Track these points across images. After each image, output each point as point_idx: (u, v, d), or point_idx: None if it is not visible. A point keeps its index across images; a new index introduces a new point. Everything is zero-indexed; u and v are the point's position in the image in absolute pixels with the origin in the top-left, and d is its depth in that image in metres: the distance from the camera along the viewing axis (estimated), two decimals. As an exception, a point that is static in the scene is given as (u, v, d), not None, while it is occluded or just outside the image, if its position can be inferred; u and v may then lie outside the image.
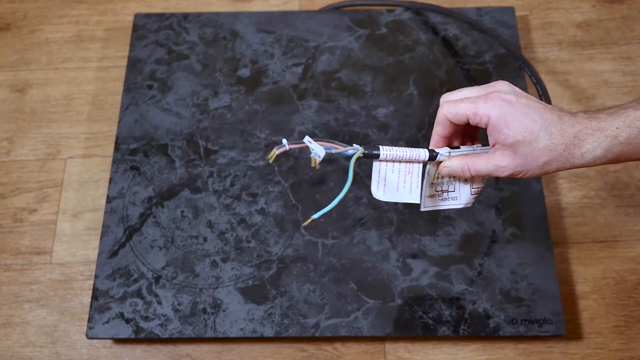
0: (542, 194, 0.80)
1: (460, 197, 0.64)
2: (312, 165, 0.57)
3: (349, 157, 0.59)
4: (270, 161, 0.57)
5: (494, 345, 0.76)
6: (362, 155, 0.59)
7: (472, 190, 0.64)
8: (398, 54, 0.91)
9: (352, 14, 0.94)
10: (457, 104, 0.58)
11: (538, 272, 0.76)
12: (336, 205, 0.58)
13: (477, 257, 0.77)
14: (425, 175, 0.62)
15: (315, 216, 0.59)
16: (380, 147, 0.60)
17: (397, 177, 0.61)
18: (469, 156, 0.60)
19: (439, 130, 0.61)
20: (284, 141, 0.57)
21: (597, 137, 0.55)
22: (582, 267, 0.79)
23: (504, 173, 0.58)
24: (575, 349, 0.75)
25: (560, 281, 0.78)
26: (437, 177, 0.63)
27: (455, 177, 0.63)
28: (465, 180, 0.63)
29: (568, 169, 0.57)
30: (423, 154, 0.60)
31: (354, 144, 0.59)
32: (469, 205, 0.64)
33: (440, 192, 0.63)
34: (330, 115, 0.86)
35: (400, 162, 0.60)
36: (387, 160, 0.60)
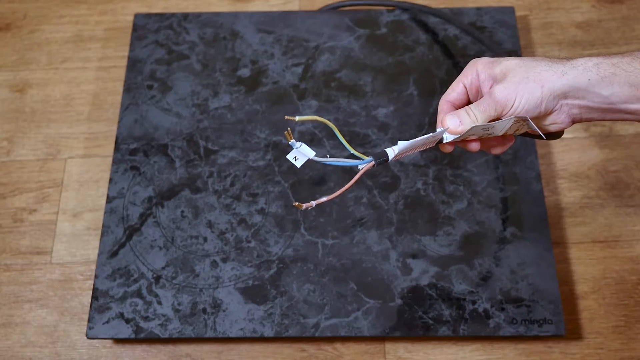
0: (542, 194, 0.80)
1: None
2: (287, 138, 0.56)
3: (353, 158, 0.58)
4: (294, 204, 0.58)
5: (494, 345, 0.76)
6: (372, 161, 0.57)
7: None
8: (398, 54, 0.91)
9: (352, 14, 0.94)
10: (451, 86, 0.61)
11: (538, 272, 0.76)
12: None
13: (477, 257, 0.77)
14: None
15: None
16: (387, 151, 0.57)
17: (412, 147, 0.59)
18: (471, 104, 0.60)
19: (441, 118, 0.61)
20: (313, 202, 0.56)
21: (586, 56, 0.56)
22: (582, 267, 0.79)
23: (497, 95, 0.57)
24: (575, 349, 0.75)
25: (560, 281, 0.78)
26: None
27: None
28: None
29: (565, 87, 0.56)
30: (431, 138, 0.58)
31: (361, 160, 0.57)
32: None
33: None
34: (330, 115, 0.86)
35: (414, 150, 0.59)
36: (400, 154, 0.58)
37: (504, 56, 0.87)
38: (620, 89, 0.55)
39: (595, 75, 0.55)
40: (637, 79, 0.55)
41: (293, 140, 0.56)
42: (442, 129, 0.60)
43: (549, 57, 0.58)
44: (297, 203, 0.56)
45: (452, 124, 0.59)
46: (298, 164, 0.57)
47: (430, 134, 0.59)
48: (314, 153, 0.57)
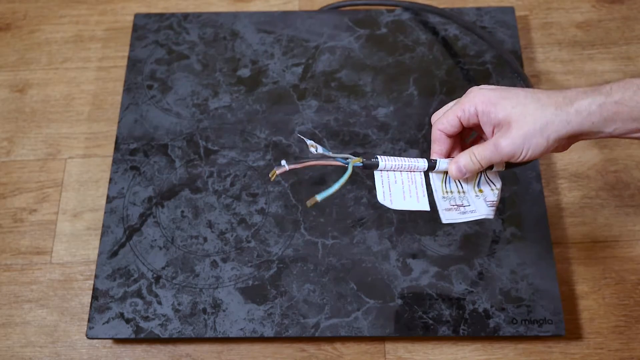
0: (542, 194, 0.80)
1: (478, 210, 0.63)
2: (271, 175, 0.58)
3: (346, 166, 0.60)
4: (272, 180, 0.59)
5: (494, 345, 0.76)
6: (360, 163, 0.59)
7: (487, 203, 0.63)
8: (398, 54, 0.91)
9: (352, 14, 0.94)
10: (446, 114, 0.61)
11: (538, 272, 0.76)
12: (335, 192, 0.58)
13: (477, 257, 0.77)
14: (434, 189, 0.62)
15: (319, 197, 0.58)
16: (379, 157, 0.60)
17: (401, 187, 0.61)
18: (473, 146, 0.60)
19: (435, 148, 0.63)
20: (283, 162, 0.57)
21: (590, 95, 0.56)
22: (582, 267, 0.79)
23: (504, 149, 0.58)
24: (575, 349, 0.75)
25: (560, 281, 0.78)
26: (446, 192, 0.63)
27: (465, 192, 0.63)
28: (477, 196, 0.63)
29: (569, 133, 0.57)
30: (422, 163, 0.61)
31: (352, 157, 0.60)
32: (491, 217, 0.63)
33: (456, 207, 0.63)
34: (330, 115, 0.86)
35: (401, 172, 0.61)
36: (387, 170, 0.60)
37: (507, 55, 0.87)
38: (623, 124, 0.56)
39: (599, 117, 0.56)
40: None
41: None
42: (437, 159, 0.62)
43: (553, 98, 0.57)
44: (271, 174, 0.58)
45: (456, 173, 0.61)
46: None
47: (423, 159, 0.61)
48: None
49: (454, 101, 0.62)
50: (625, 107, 0.55)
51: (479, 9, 0.93)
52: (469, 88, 0.61)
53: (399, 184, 0.61)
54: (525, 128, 0.57)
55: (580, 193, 0.83)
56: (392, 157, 0.60)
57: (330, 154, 0.59)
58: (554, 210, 0.82)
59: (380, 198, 0.60)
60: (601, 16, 0.96)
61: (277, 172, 0.57)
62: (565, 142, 0.58)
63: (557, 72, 0.91)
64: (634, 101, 0.55)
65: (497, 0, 0.97)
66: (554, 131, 0.56)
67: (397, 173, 0.61)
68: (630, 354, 0.75)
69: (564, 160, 0.85)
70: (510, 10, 0.93)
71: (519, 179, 0.81)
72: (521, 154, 0.58)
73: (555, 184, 0.84)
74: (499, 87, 0.59)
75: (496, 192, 0.63)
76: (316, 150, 0.58)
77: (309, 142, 0.58)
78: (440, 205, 0.62)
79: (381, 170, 0.60)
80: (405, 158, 0.61)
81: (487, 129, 0.60)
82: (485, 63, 0.89)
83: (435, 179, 0.62)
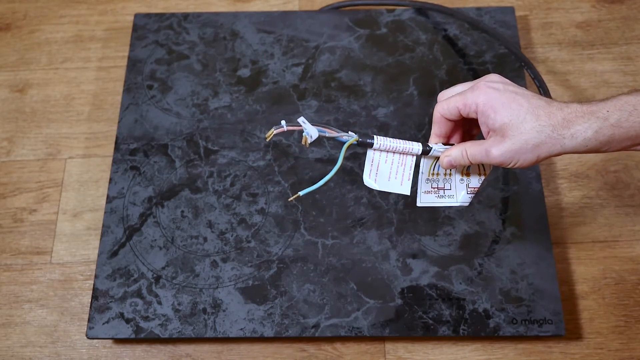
0: (542, 194, 0.80)
1: (456, 195, 0.65)
2: (303, 143, 0.58)
3: (343, 144, 0.60)
4: (267, 140, 0.59)
5: (494, 345, 0.76)
6: (356, 142, 0.60)
7: (469, 189, 0.64)
8: (398, 54, 0.91)
9: (352, 14, 0.94)
10: (449, 101, 0.61)
11: (538, 272, 0.76)
12: (322, 185, 0.60)
13: (477, 257, 0.77)
14: (420, 171, 0.64)
15: (301, 193, 0.60)
16: (375, 136, 0.61)
17: (389, 168, 0.62)
18: (467, 142, 0.61)
19: (435, 129, 0.63)
20: (282, 122, 0.58)
21: (588, 119, 0.56)
22: (582, 267, 0.79)
23: (494, 159, 0.58)
24: (575, 349, 0.75)
25: (560, 281, 0.78)
26: (433, 174, 0.64)
27: (450, 175, 0.64)
28: (461, 179, 0.64)
29: (560, 153, 0.57)
30: (417, 147, 0.62)
31: (349, 131, 0.60)
32: (465, 204, 0.65)
33: (436, 189, 0.64)
34: (330, 115, 0.86)
35: (394, 152, 0.62)
36: (380, 150, 0.61)
37: (513, 46, 0.87)
38: (618, 144, 0.57)
39: (594, 142, 0.56)
40: (635, 132, 0.56)
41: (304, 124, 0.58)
42: (433, 145, 0.63)
43: (552, 118, 0.57)
44: (268, 134, 0.58)
45: (446, 164, 0.62)
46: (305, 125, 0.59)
47: (418, 143, 0.62)
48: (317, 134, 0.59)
49: (464, 85, 0.63)
50: (620, 129, 0.56)
51: (479, 9, 0.93)
52: (484, 75, 0.62)
53: (388, 164, 0.62)
54: (518, 144, 0.57)
55: (580, 193, 0.83)
56: (388, 138, 0.61)
57: (327, 134, 0.59)
58: (554, 210, 0.82)
59: (366, 177, 0.61)
60: (601, 16, 0.96)
61: (275, 131, 0.58)
62: (556, 156, 0.59)
63: (557, 72, 0.91)
64: (630, 122, 0.55)
65: (497, 0, 0.97)
66: (545, 151, 0.57)
67: (390, 154, 0.62)
68: (630, 354, 0.75)
69: (564, 160, 0.85)
70: (510, 10, 0.93)
71: (519, 179, 0.81)
72: (509, 164, 0.59)
73: (555, 184, 0.84)
74: (508, 87, 0.59)
75: (482, 178, 0.64)
76: (310, 138, 0.58)
77: (306, 132, 0.58)
78: (421, 187, 0.64)
79: (375, 150, 0.61)
80: (401, 140, 0.62)
81: (483, 129, 0.61)
82: (486, 63, 0.89)
83: (425, 161, 0.64)
